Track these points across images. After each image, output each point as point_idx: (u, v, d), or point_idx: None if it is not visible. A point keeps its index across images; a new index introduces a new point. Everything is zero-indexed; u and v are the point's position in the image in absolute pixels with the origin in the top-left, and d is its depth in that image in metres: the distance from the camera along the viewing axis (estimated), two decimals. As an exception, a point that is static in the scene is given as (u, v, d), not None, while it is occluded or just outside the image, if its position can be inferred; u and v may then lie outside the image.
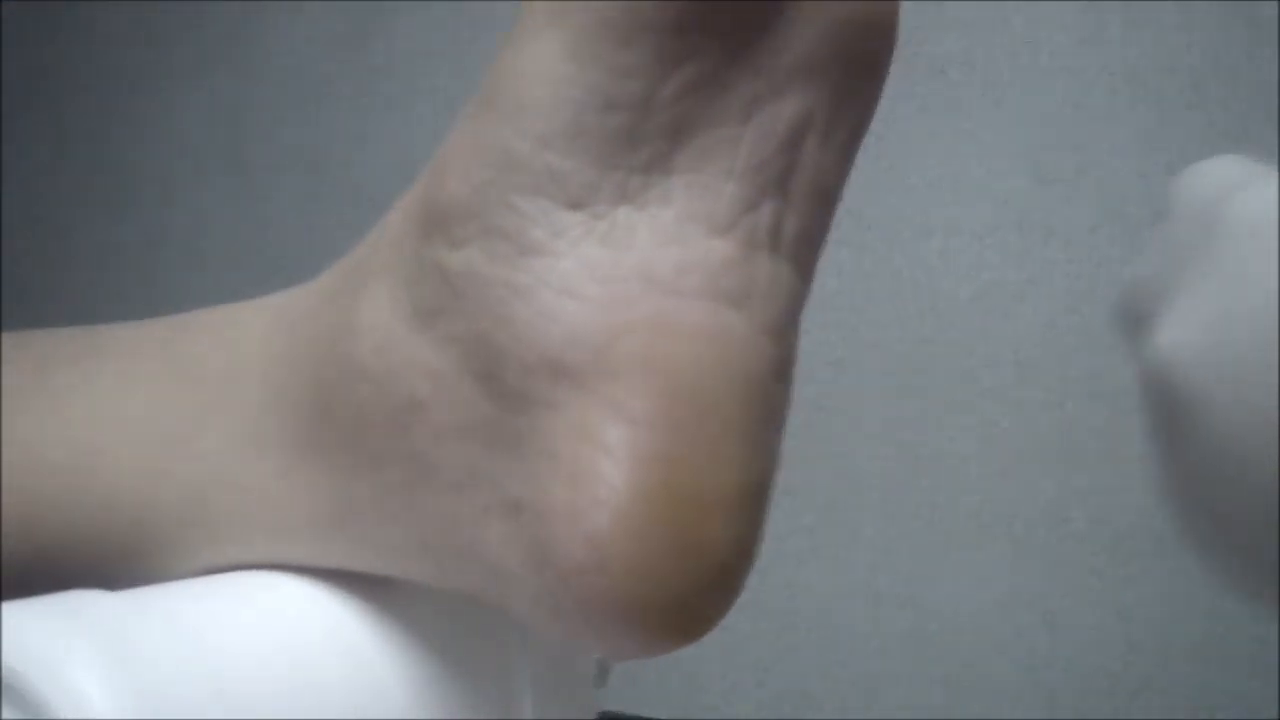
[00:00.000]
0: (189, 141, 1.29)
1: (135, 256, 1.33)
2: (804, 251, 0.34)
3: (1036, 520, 0.98)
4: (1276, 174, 0.23)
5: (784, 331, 0.34)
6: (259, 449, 0.39)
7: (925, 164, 1.00)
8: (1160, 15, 0.96)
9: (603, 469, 0.31)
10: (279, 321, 0.40)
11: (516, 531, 0.33)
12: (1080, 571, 0.98)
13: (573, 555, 0.31)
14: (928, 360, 1.01)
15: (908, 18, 0.35)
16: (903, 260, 1.02)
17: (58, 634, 0.31)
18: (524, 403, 0.33)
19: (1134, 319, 0.28)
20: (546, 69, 0.32)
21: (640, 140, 0.32)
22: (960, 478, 1.00)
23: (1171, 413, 0.24)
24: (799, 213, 0.34)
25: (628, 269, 0.32)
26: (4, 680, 0.30)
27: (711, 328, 0.32)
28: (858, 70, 0.34)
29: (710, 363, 0.32)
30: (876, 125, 0.35)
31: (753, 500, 0.33)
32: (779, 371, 0.34)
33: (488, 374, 0.33)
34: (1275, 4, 0.90)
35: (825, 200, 0.34)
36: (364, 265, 0.37)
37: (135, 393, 0.41)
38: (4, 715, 0.30)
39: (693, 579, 0.31)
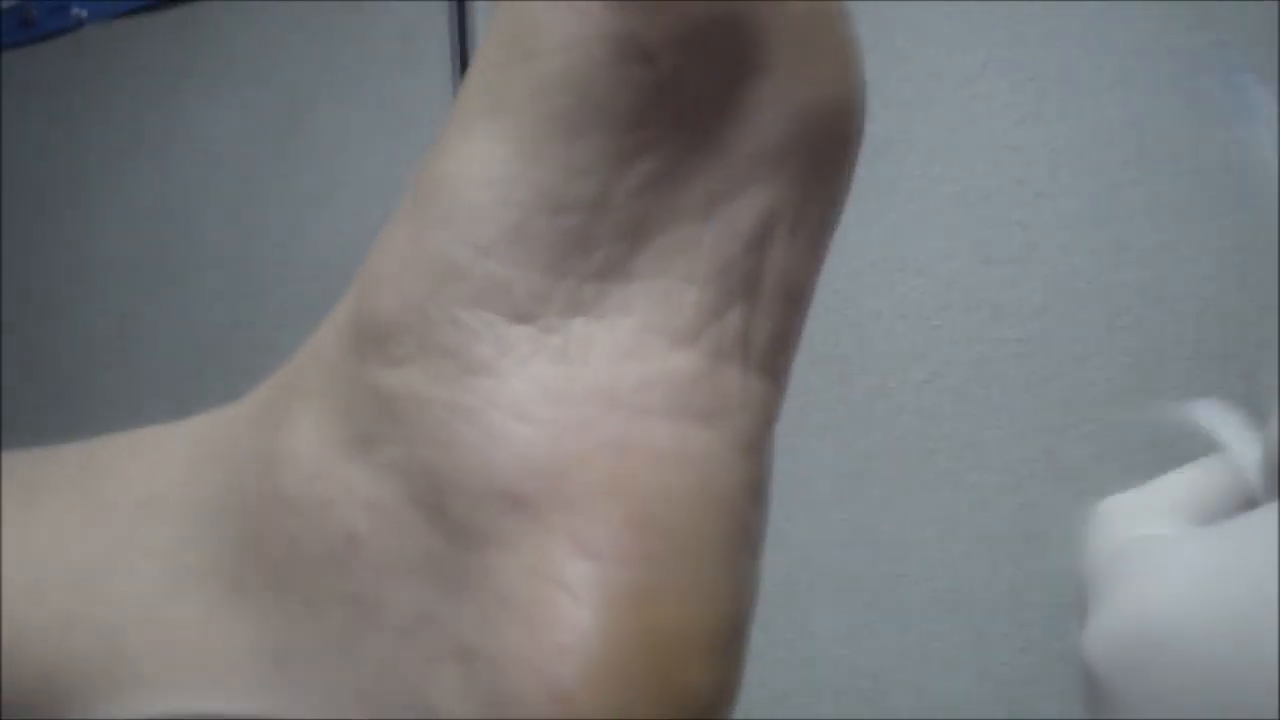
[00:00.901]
0: (112, 245, 1.25)
1: (61, 359, 1.28)
2: (775, 359, 0.32)
3: (998, 604, 0.96)
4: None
5: (757, 447, 0.31)
6: (180, 590, 0.35)
7: (869, 246, 0.98)
8: (1099, 91, 0.95)
9: (565, 611, 0.28)
10: (201, 449, 0.36)
11: (470, 682, 0.29)
12: (1046, 657, 0.95)
13: (535, 710, 0.28)
14: (882, 444, 0.98)
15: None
16: (851, 343, 1.00)
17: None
18: (474, 537, 0.29)
19: (1080, 607, 0.34)
20: (486, 170, 0.30)
21: (594, 244, 0.30)
22: (920, 562, 0.97)
23: (1092, 698, 0.30)
24: (769, 317, 0.31)
25: (584, 387, 0.29)
26: None
27: (679, 449, 0.29)
28: (825, 156, 0.31)
29: (680, 487, 0.29)
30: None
31: (735, 636, 0.30)
32: (754, 491, 0.31)
33: (432, 505, 0.30)
34: (1215, 77, 0.90)
35: (796, 301, 0.32)
36: (291, 387, 0.34)
37: (41, 528, 0.38)
38: None
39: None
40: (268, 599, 0.33)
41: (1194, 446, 0.30)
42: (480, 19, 1.15)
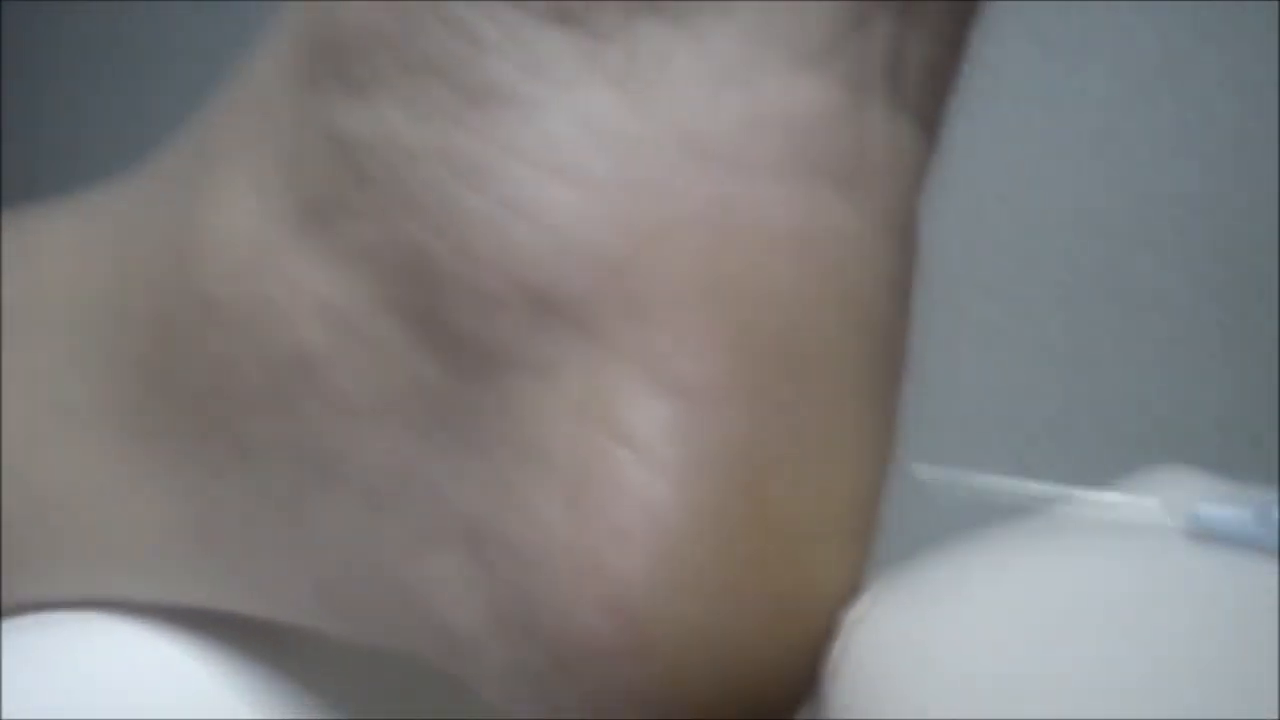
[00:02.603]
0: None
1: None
2: (934, 98, 0.21)
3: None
4: None
5: (909, 229, 0.21)
6: (68, 435, 0.25)
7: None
8: None
9: (629, 478, 0.19)
10: (92, 232, 0.26)
11: (474, 577, 0.20)
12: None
13: (577, 629, 0.18)
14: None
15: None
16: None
17: None
18: (485, 363, 0.20)
19: None
20: None
21: None
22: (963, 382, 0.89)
23: None
24: (928, 31, 0.21)
25: (659, 128, 0.19)
26: None
27: (803, 227, 0.19)
28: None
29: (808, 285, 0.19)
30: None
31: (872, 514, 0.20)
32: (903, 294, 0.21)
33: (422, 312, 0.20)
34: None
35: (961, 12, 0.21)
36: (214, 143, 0.23)
37: None
38: None
39: (788, 660, 0.19)
40: (182, 448, 0.23)
41: None
42: None
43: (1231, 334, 0.84)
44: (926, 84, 0.21)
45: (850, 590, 0.20)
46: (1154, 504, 0.20)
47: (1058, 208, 0.87)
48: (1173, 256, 0.86)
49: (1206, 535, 0.19)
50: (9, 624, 0.26)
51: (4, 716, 0.24)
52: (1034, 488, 0.22)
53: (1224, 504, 0.19)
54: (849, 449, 0.19)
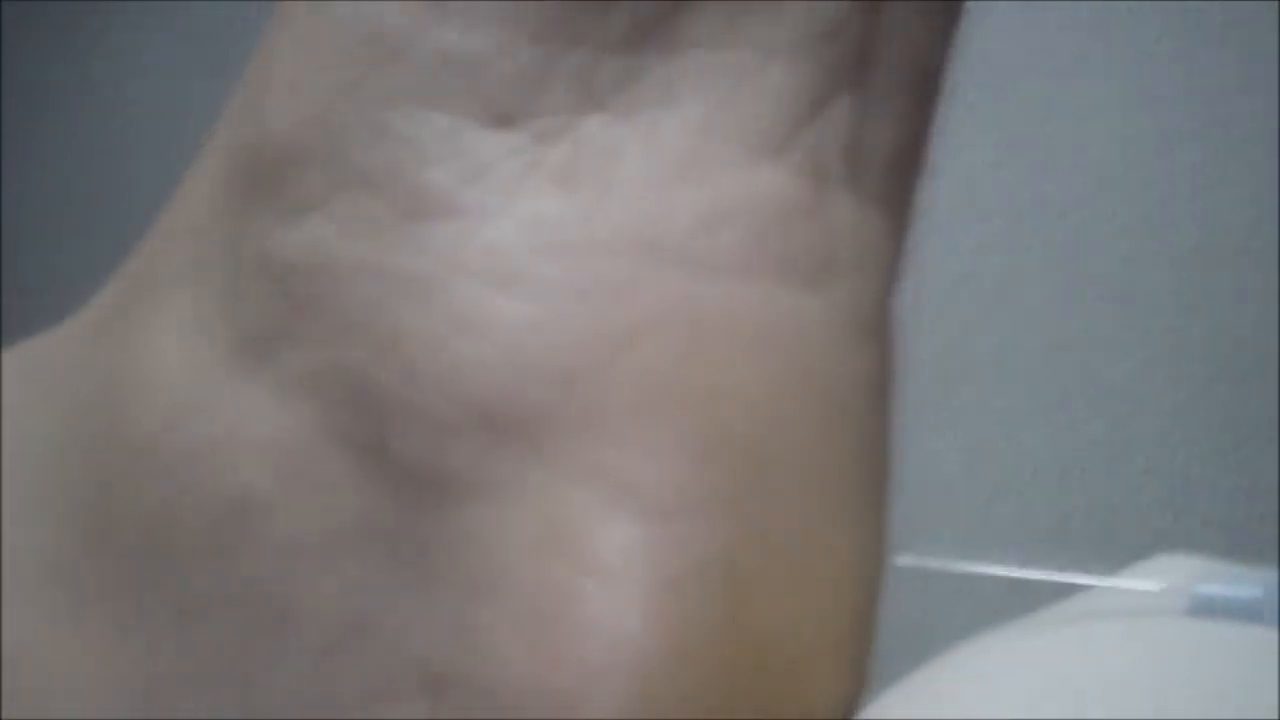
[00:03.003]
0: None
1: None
2: (901, 182, 0.20)
3: (1036, 547, 0.86)
4: None
5: (881, 323, 0.20)
6: (17, 590, 0.24)
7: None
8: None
9: (596, 609, 0.17)
10: (25, 379, 0.25)
11: None
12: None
13: None
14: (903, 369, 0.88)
15: None
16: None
17: None
18: (440, 493, 0.18)
19: None
20: None
21: None
22: (950, 502, 0.87)
23: None
24: (890, 112, 0.20)
25: (613, 231, 0.18)
26: None
27: (774, 326, 0.18)
28: None
29: (779, 389, 0.18)
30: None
31: (864, 627, 0.19)
32: (882, 392, 0.20)
33: (370, 444, 0.19)
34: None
35: (927, 90, 0.20)
36: (148, 273, 0.22)
37: None
38: None
39: None
40: (125, 609, 0.21)
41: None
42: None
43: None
44: (893, 170, 0.20)
45: (849, 709, 0.18)
46: (1156, 587, 0.19)
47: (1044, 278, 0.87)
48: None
49: (1209, 613, 0.18)
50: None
51: None
52: (1032, 574, 0.20)
53: (1225, 583, 0.18)
54: (836, 559, 0.18)
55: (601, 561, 0.17)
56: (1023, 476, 0.84)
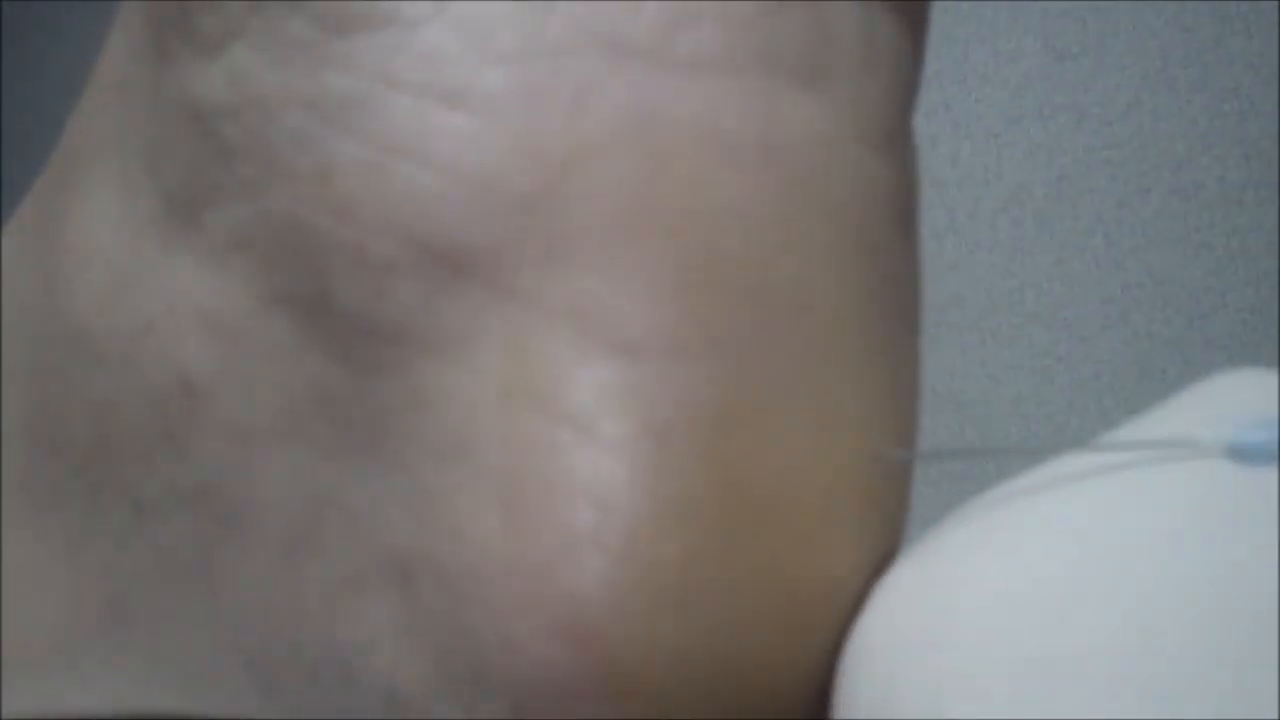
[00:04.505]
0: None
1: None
2: None
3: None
4: None
5: (897, 136, 0.17)
6: None
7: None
8: None
9: (574, 464, 0.15)
10: None
11: (409, 623, 0.16)
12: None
13: (533, 664, 0.15)
14: (957, 291, 0.85)
15: None
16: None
17: None
18: (389, 349, 0.16)
19: None
20: None
21: None
22: (1013, 429, 0.84)
23: None
24: None
25: (565, 31, 0.15)
26: None
27: (763, 130, 0.15)
28: None
29: (773, 201, 0.15)
30: None
31: (889, 480, 0.16)
32: (901, 214, 0.17)
33: (310, 301, 0.16)
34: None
35: None
36: (77, 143, 0.20)
37: None
38: None
39: (791, 679, 0.15)
40: (77, 516, 0.20)
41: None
42: None
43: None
44: None
45: (866, 582, 0.16)
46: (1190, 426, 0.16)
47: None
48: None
49: (1249, 458, 0.15)
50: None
51: None
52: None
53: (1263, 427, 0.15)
54: (847, 404, 0.15)
55: (576, 408, 0.14)
56: (1099, 384, 0.81)
